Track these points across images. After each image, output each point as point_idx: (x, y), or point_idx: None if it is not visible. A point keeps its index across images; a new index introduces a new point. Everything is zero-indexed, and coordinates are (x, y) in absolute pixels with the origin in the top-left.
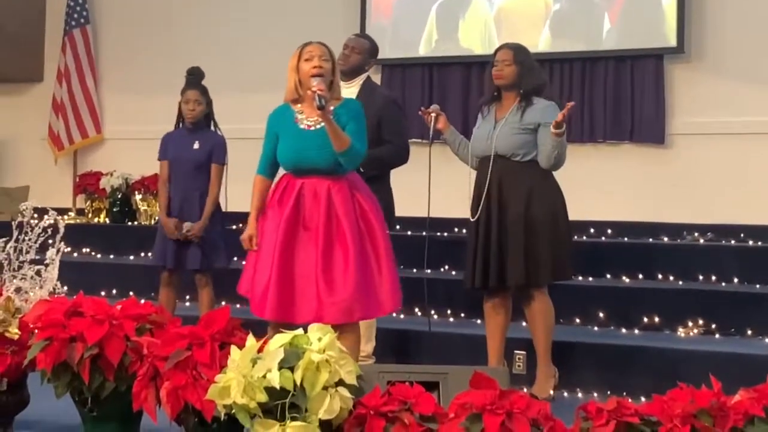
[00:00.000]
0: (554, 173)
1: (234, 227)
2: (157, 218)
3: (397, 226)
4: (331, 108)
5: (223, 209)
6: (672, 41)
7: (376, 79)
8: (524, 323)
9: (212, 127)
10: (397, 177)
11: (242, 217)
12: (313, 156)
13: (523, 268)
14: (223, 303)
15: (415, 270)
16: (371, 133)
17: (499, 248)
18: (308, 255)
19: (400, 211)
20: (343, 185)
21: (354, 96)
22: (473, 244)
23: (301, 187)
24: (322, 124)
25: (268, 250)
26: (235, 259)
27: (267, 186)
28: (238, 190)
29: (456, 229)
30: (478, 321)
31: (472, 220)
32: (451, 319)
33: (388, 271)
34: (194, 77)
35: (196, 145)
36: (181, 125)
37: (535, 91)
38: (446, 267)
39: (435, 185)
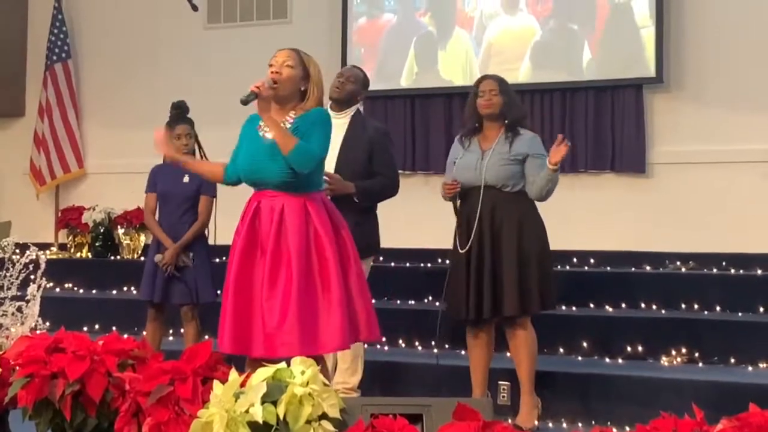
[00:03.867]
0: (538, 203)
1: (222, 260)
2: (140, 252)
3: (380, 258)
4: (291, 114)
5: (211, 242)
6: (651, 71)
7: None
8: (507, 354)
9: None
10: (379, 209)
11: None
12: (264, 166)
13: (517, 298)
14: (206, 337)
15: (398, 302)
16: (362, 165)
17: (493, 279)
18: (259, 281)
19: (383, 243)
20: (298, 204)
21: (345, 127)
22: (464, 275)
23: (258, 206)
24: None
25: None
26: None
27: (220, 168)
28: (226, 223)
29: (439, 260)
30: (462, 352)
31: (461, 251)
32: (435, 351)
33: (337, 305)
34: (181, 111)
35: (186, 179)
36: None
37: (518, 122)
38: (430, 298)
39: (416, 217)
